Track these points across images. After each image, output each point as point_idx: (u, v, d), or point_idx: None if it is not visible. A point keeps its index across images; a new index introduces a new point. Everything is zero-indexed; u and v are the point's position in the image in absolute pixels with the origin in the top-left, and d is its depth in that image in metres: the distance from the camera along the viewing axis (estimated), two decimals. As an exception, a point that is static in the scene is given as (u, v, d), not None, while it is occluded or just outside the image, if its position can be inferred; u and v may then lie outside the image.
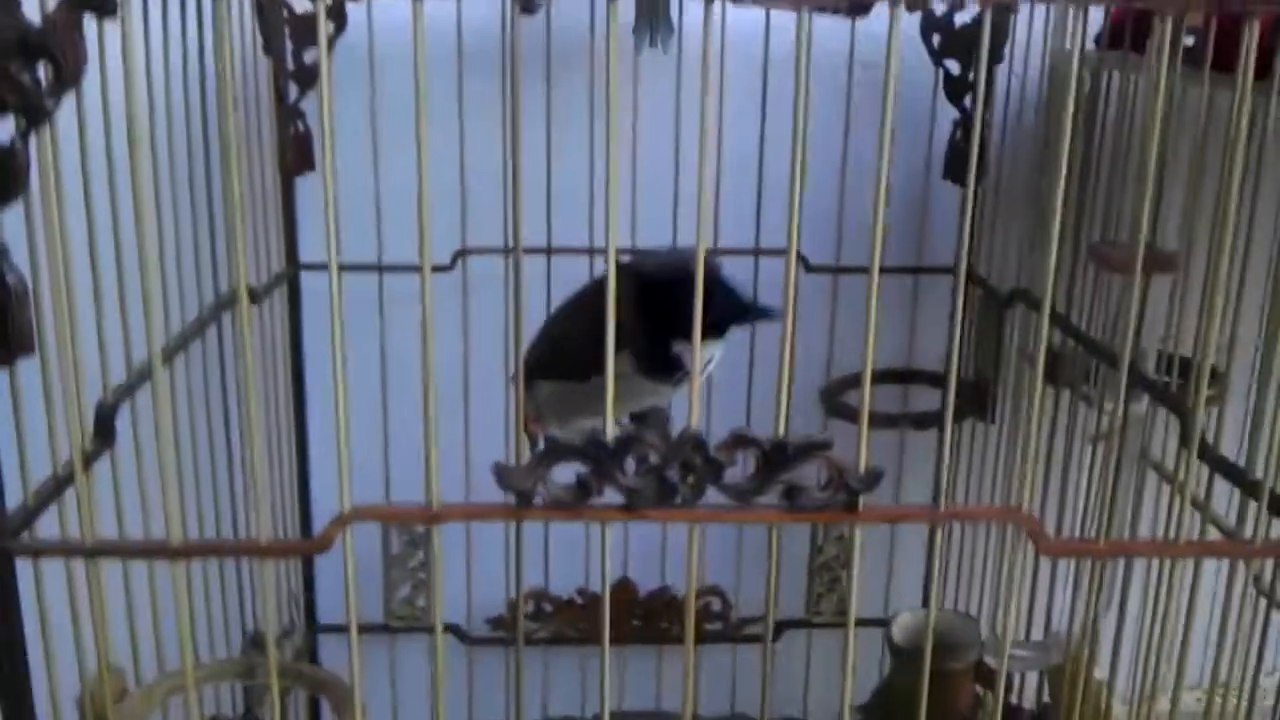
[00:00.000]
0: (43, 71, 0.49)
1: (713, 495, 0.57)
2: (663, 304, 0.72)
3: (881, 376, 1.08)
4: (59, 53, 0.47)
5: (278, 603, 0.98)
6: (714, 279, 0.72)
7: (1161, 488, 0.86)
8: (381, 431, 1.07)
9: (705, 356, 0.75)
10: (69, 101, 0.52)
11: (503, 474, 0.57)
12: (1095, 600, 0.65)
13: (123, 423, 0.68)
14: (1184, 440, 0.71)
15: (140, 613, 0.69)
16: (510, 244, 0.73)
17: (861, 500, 0.59)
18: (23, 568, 0.58)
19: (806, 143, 0.55)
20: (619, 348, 0.72)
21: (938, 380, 1.11)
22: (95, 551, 0.56)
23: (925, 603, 1.17)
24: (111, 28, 0.53)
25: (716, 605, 1.20)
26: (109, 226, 0.67)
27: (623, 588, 1.17)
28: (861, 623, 1.16)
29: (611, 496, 0.58)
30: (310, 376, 1.08)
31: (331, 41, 0.98)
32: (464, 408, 1.06)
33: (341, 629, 1.14)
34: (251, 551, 0.56)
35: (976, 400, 1.05)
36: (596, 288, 0.77)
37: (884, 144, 0.54)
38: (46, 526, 0.59)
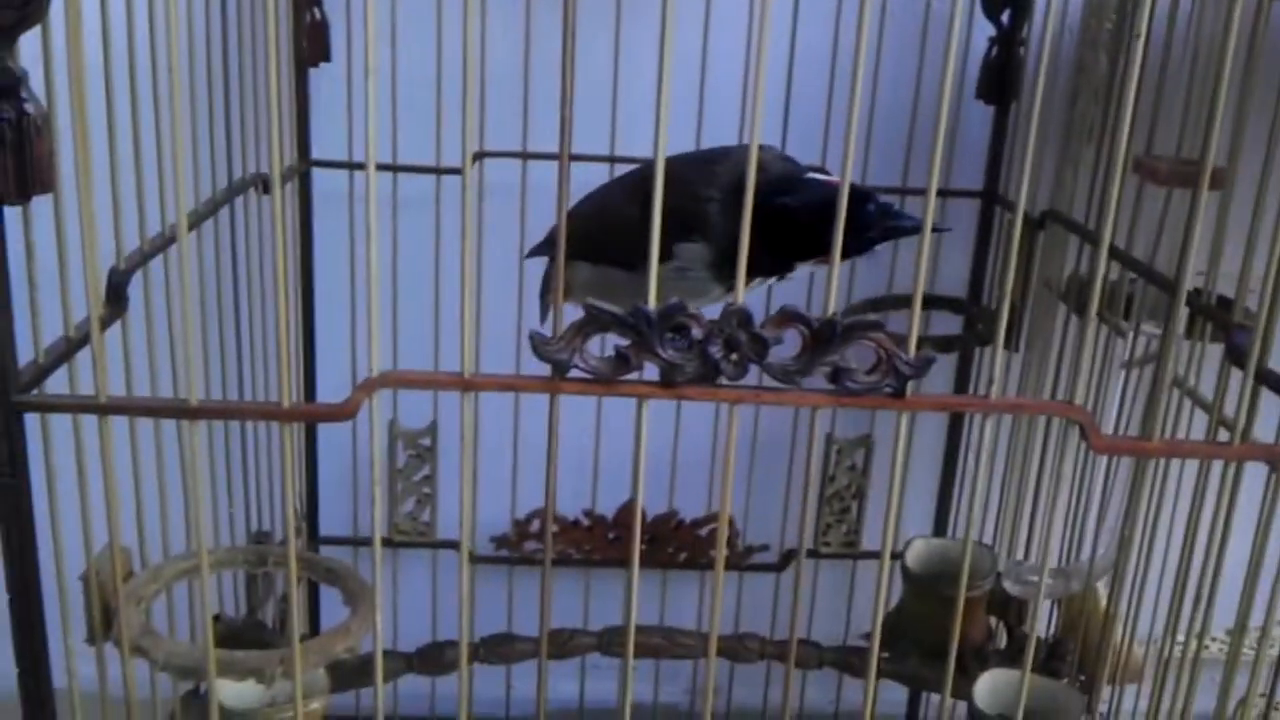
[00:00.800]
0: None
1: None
2: (801, 228, 0.67)
3: (902, 301, 1.06)
4: None
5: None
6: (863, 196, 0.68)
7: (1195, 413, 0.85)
8: (391, 334, 1.04)
9: None
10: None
11: (539, 344, 0.54)
12: (1141, 505, 0.63)
13: (135, 292, 0.65)
14: (1231, 357, 0.69)
15: (148, 494, 0.67)
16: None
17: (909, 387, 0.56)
18: (32, 432, 0.56)
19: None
20: (685, 236, 0.70)
21: (960, 306, 1.09)
22: (109, 409, 0.54)
23: (938, 532, 1.16)
24: None
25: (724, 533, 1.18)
26: (127, 86, 0.64)
27: (629, 511, 1.15)
28: (870, 555, 1.17)
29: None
30: (319, 273, 1.05)
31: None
32: (476, 314, 1.03)
33: (344, 541, 1.12)
34: (272, 415, 0.54)
35: (994, 343, 1.02)
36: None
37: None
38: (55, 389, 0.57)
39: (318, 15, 0.96)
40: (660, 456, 1.13)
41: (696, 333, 0.54)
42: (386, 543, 1.12)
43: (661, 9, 0.50)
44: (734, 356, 0.55)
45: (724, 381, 0.55)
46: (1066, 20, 0.98)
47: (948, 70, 0.52)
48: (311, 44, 0.96)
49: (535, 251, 0.88)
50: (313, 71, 0.99)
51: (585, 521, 1.16)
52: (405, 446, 1.10)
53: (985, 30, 1.01)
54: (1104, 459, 0.85)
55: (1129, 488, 0.71)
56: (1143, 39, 0.56)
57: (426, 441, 1.11)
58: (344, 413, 0.54)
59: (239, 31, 0.83)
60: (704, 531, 1.17)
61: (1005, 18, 1.00)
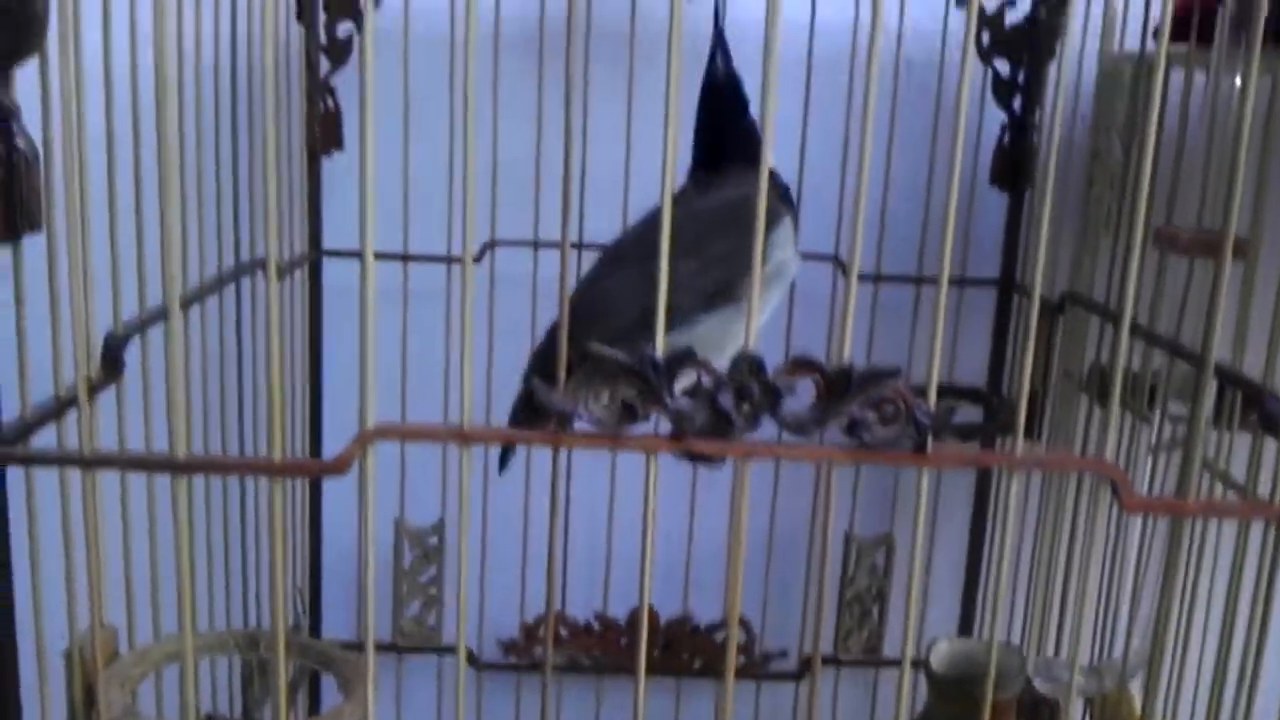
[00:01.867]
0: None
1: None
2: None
3: (922, 393, 1.03)
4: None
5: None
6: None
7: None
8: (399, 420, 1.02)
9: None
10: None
11: (542, 393, 0.52)
12: (1176, 572, 0.60)
13: (132, 359, 0.64)
14: (1264, 425, 0.66)
15: (139, 565, 0.64)
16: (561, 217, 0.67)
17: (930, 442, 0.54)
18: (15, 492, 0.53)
19: (865, 148, 0.51)
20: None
21: (979, 396, 1.06)
22: (94, 462, 0.51)
23: (963, 632, 1.11)
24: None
25: (739, 636, 1.14)
26: (129, 139, 0.64)
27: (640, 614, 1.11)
28: (892, 663, 1.12)
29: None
30: (328, 364, 1.04)
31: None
32: (486, 401, 1.01)
33: (349, 646, 1.08)
34: (264, 469, 0.51)
35: (1018, 404, 1.00)
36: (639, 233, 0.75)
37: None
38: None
39: (330, 104, 0.96)
40: (674, 555, 1.10)
41: (707, 381, 0.52)
42: (390, 647, 1.08)
43: (665, 102, 0.50)
44: (745, 407, 0.52)
45: (735, 434, 0.53)
46: (1078, 106, 0.98)
47: (957, 156, 0.50)
48: (324, 132, 0.96)
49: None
50: (325, 160, 0.99)
51: (596, 626, 1.12)
52: (411, 546, 1.07)
53: (997, 117, 1.01)
54: (1136, 538, 0.82)
55: (1165, 560, 0.68)
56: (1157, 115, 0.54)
57: (434, 540, 1.08)
58: (338, 467, 0.52)
59: (249, 114, 0.83)
60: (720, 637, 1.12)
61: (1016, 104, 1.00)
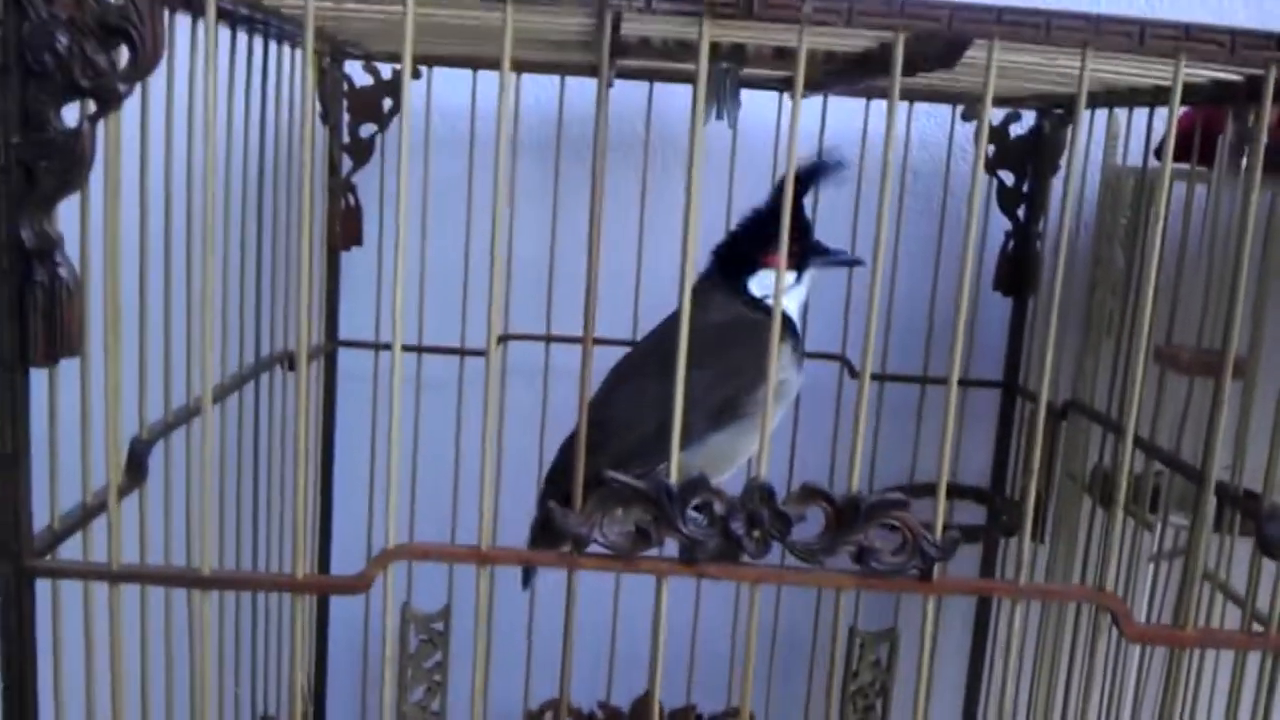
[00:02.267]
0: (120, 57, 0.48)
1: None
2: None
3: (924, 490, 1.05)
4: (139, 35, 0.46)
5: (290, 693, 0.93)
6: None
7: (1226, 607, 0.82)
8: (409, 512, 1.03)
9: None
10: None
11: (558, 517, 0.54)
12: (1175, 701, 0.61)
13: (155, 462, 0.65)
14: (1262, 547, 0.67)
15: (154, 670, 0.65)
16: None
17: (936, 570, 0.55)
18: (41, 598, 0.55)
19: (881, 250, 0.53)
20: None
21: (983, 497, 1.07)
22: (121, 576, 0.53)
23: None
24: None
25: (743, 729, 1.14)
26: (160, 256, 0.66)
27: (645, 703, 1.11)
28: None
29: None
30: (340, 451, 1.05)
31: (388, 118, 0.98)
32: (495, 496, 1.03)
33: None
34: (286, 586, 0.53)
35: (1021, 528, 1.01)
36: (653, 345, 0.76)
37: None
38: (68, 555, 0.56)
39: (351, 201, 0.98)
40: (679, 644, 1.10)
41: (719, 508, 0.54)
42: (394, 733, 1.08)
43: (685, 205, 0.52)
44: (756, 533, 0.54)
45: (746, 560, 0.54)
46: (1081, 215, 1.00)
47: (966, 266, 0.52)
48: (345, 229, 0.98)
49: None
50: (345, 255, 1.01)
51: (600, 714, 1.12)
52: (418, 630, 1.08)
53: (1001, 224, 1.03)
54: (1135, 662, 0.83)
55: (1163, 689, 0.69)
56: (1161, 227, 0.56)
57: (440, 626, 1.08)
58: (359, 585, 0.53)
59: (274, 211, 0.86)
60: (725, 730, 1.13)
61: (1021, 213, 1.02)
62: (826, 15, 0.51)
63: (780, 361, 0.75)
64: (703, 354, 0.70)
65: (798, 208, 0.81)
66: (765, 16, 0.51)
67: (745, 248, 0.83)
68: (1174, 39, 0.52)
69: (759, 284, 0.82)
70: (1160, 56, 0.54)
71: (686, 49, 0.72)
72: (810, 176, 0.80)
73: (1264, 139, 0.59)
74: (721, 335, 0.75)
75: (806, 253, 0.84)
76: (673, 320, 0.81)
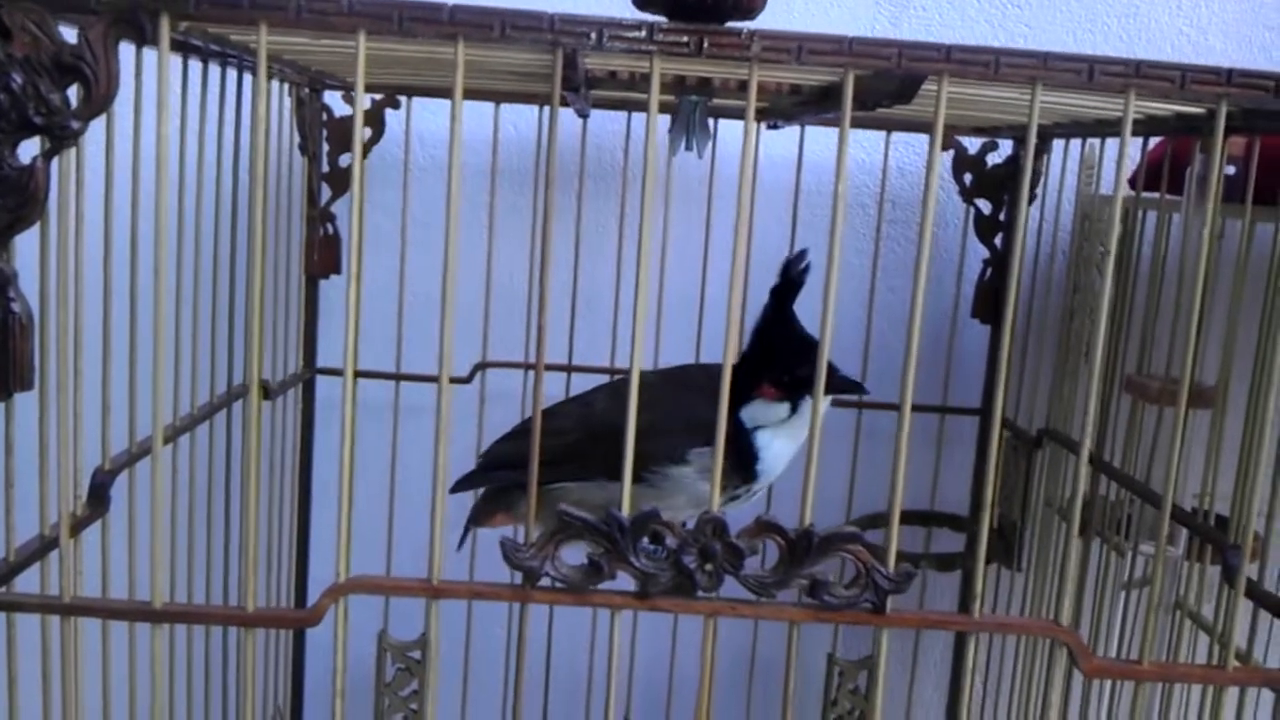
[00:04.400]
0: (73, 94, 0.48)
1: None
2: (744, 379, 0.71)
3: (903, 518, 1.04)
4: (92, 74, 0.47)
5: None
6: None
7: (1198, 634, 0.82)
8: (385, 539, 1.03)
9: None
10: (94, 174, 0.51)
11: (510, 551, 0.54)
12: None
13: (118, 493, 0.65)
14: (1225, 577, 0.67)
15: (117, 709, 0.65)
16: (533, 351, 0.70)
17: (889, 603, 0.55)
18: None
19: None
20: (695, 444, 0.71)
21: (960, 524, 1.07)
22: (73, 609, 0.53)
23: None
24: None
25: (722, 757, 1.14)
26: (125, 288, 0.66)
27: (623, 731, 1.11)
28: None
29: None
30: (318, 479, 1.05)
31: (368, 148, 0.98)
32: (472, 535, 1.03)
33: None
34: (236, 620, 0.53)
35: (1002, 545, 1.01)
36: (653, 379, 0.75)
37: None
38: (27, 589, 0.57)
39: (330, 230, 0.99)
40: (656, 670, 1.10)
41: (671, 542, 0.54)
42: (372, 761, 1.08)
43: (663, 231, 0.52)
44: (709, 567, 0.54)
45: (700, 594, 0.55)
46: (1057, 243, 1.01)
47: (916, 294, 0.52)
48: (322, 258, 0.99)
49: (467, 483, 0.83)
50: (324, 283, 1.02)
51: (578, 744, 1.12)
52: (394, 659, 1.08)
53: (979, 252, 1.03)
54: (1105, 694, 0.82)
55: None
56: (1112, 256, 0.57)
57: (416, 654, 1.08)
58: (310, 619, 0.53)
59: (247, 240, 0.86)
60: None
61: (998, 241, 1.02)
62: (776, 54, 0.51)
63: (676, 474, 0.74)
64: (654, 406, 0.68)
65: (789, 324, 0.74)
66: (715, 55, 0.51)
67: (749, 369, 0.74)
68: (1123, 75, 0.52)
69: (750, 414, 0.75)
70: (1109, 92, 0.54)
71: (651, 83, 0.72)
72: (790, 287, 0.75)
73: (1219, 171, 0.59)
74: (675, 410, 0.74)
75: (803, 382, 0.73)
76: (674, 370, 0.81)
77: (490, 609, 1.06)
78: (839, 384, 0.75)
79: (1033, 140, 0.55)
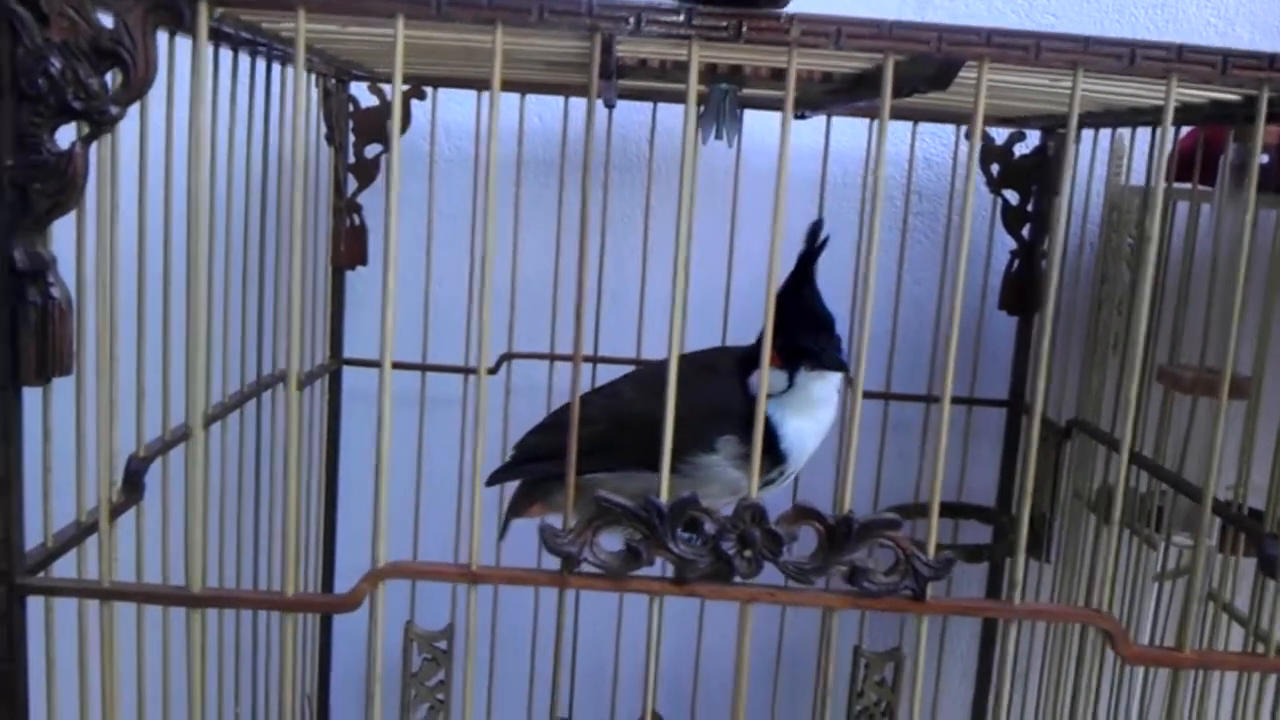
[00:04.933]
0: (111, 79, 0.48)
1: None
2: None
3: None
4: (130, 59, 0.47)
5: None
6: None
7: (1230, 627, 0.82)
8: (412, 530, 1.03)
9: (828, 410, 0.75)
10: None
11: (549, 537, 0.54)
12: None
13: (152, 480, 0.66)
14: (1262, 566, 0.67)
15: (151, 692, 0.65)
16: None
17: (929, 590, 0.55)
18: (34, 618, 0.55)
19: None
20: (721, 431, 0.71)
21: (988, 515, 1.07)
22: (112, 594, 0.53)
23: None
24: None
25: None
26: (159, 276, 0.66)
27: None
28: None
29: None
30: (344, 470, 1.05)
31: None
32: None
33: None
34: (275, 605, 0.53)
35: (1030, 537, 1.01)
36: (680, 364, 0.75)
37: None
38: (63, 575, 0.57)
39: (356, 221, 0.99)
40: (681, 662, 1.10)
41: (710, 528, 0.54)
42: (397, 752, 1.08)
43: (678, 226, 0.52)
44: (748, 553, 0.54)
45: (738, 580, 0.54)
46: (1086, 234, 1.00)
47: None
48: (349, 248, 0.99)
49: (502, 476, 0.83)
50: (350, 274, 1.02)
51: (603, 735, 1.12)
52: (420, 649, 1.08)
53: (1006, 244, 1.03)
54: (1139, 683, 0.82)
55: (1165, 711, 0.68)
56: (1155, 243, 0.56)
57: (443, 645, 1.08)
58: (348, 603, 0.53)
59: (276, 229, 0.86)
60: (727, 748, 1.12)
61: (1025, 232, 1.02)
62: (814, 38, 0.51)
63: (708, 461, 0.73)
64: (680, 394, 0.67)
65: (805, 295, 0.73)
66: (753, 39, 0.51)
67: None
68: (1164, 60, 0.52)
69: (755, 382, 0.71)
70: (1151, 78, 0.54)
71: (683, 70, 0.72)
72: (810, 257, 0.74)
73: (1258, 158, 0.59)
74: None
75: (802, 353, 0.72)
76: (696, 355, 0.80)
77: (516, 601, 1.06)
78: (827, 360, 0.73)
79: (1074, 126, 0.54)
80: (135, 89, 0.48)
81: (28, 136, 0.48)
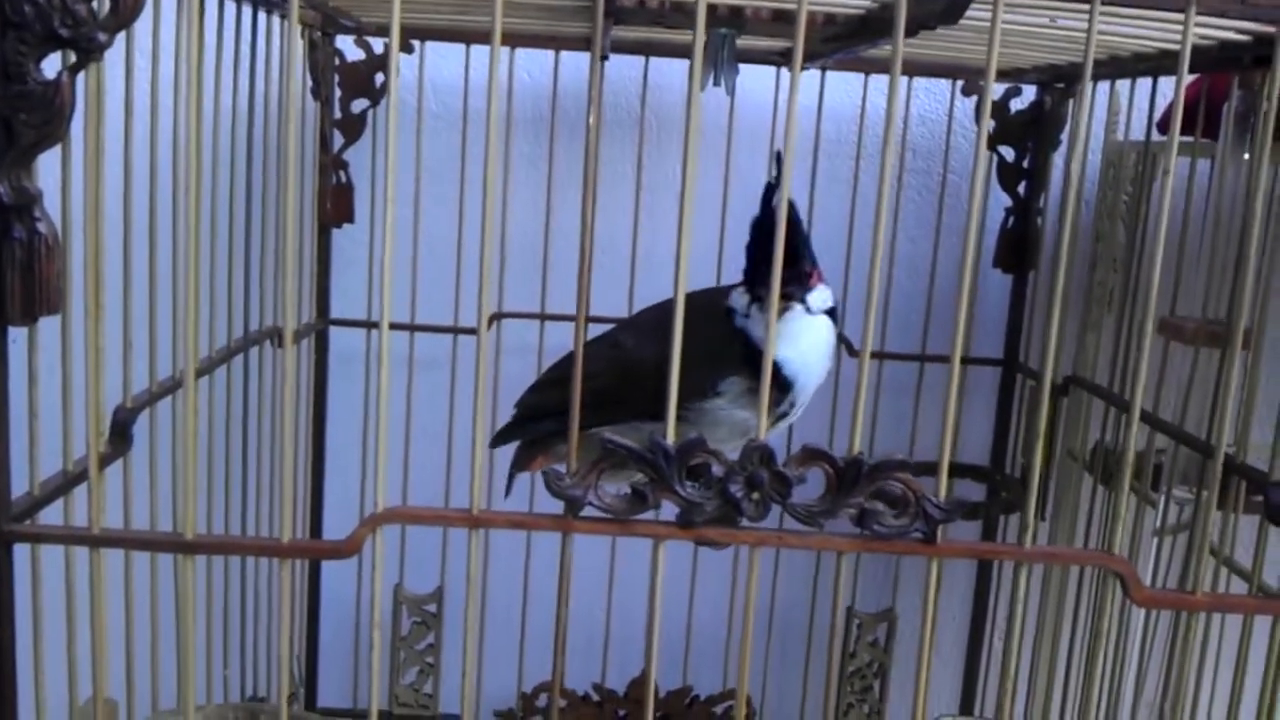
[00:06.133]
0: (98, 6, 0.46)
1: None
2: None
3: (926, 469, 1.03)
4: (119, -17, 0.45)
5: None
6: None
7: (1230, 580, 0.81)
8: (401, 490, 1.02)
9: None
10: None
11: (552, 480, 0.52)
12: (1184, 665, 0.60)
13: (140, 432, 0.64)
14: (1268, 514, 0.66)
15: (140, 640, 0.64)
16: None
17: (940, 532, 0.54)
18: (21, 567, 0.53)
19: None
20: (722, 374, 0.69)
21: (982, 474, 1.06)
22: (102, 541, 0.51)
23: (964, 710, 1.10)
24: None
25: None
26: (145, 224, 0.64)
27: (641, 685, 1.10)
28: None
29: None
30: (331, 431, 1.04)
31: (380, 93, 0.96)
32: (489, 470, 1.02)
33: (343, 714, 1.07)
34: (272, 551, 0.52)
35: (1026, 495, 1.00)
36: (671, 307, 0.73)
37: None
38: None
39: (343, 179, 0.97)
40: (675, 626, 1.09)
41: (717, 470, 0.52)
42: (386, 715, 1.07)
43: (682, 176, 0.50)
44: (755, 496, 0.52)
45: (745, 523, 0.53)
46: (1081, 191, 0.99)
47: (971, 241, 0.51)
48: (335, 206, 0.97)
49: (505, 436, 0.81)
50: (336, 232, 1.00)
51: (595, 696, 1.11)
52: (410, 613, 1.07)
53: (1001, 201, 1.02)
54: (1139, 631, 0.81)
55: (1167, 655, 0.68)
56: (1169, 192, 0.55)
57: (432, 608, 1.07)
58: (347, 549, 0.52)
59: (262, 186, 0.84)
60: (720, 709, 1.11)
61: (1021, 189, 1.01)
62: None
63: (712, 405, 0.71)
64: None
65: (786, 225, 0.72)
66: (764, -33, 0.50)
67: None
68: (1183, -10, 0.51)
69: (736, 300, 0.72)
70: (1169, 11, 0.52)
71: (683, 13, 0.70)
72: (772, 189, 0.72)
73: (1277, 99, 0.58)
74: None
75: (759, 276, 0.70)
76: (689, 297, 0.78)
77: (506, 558, 1.05)
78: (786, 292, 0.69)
79: (1089, 68, 0.53)
80: (124, 15, 0.46)
81: (13, 65, 0.46)
